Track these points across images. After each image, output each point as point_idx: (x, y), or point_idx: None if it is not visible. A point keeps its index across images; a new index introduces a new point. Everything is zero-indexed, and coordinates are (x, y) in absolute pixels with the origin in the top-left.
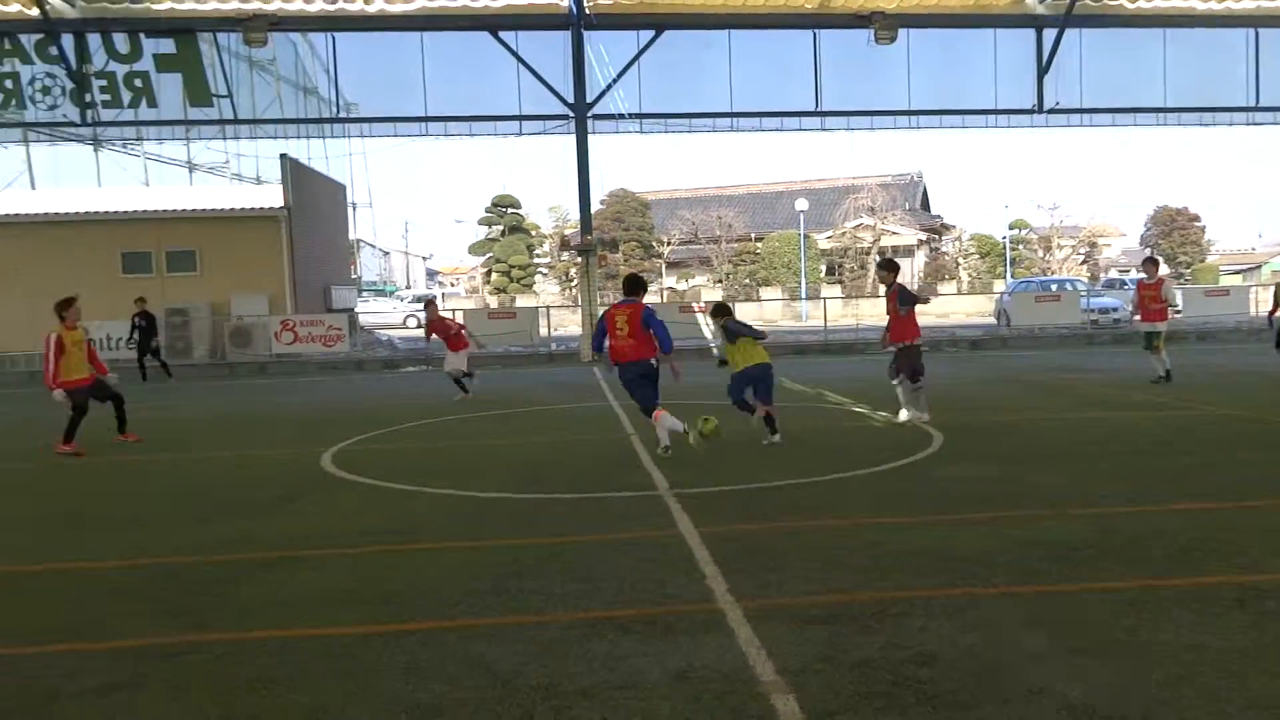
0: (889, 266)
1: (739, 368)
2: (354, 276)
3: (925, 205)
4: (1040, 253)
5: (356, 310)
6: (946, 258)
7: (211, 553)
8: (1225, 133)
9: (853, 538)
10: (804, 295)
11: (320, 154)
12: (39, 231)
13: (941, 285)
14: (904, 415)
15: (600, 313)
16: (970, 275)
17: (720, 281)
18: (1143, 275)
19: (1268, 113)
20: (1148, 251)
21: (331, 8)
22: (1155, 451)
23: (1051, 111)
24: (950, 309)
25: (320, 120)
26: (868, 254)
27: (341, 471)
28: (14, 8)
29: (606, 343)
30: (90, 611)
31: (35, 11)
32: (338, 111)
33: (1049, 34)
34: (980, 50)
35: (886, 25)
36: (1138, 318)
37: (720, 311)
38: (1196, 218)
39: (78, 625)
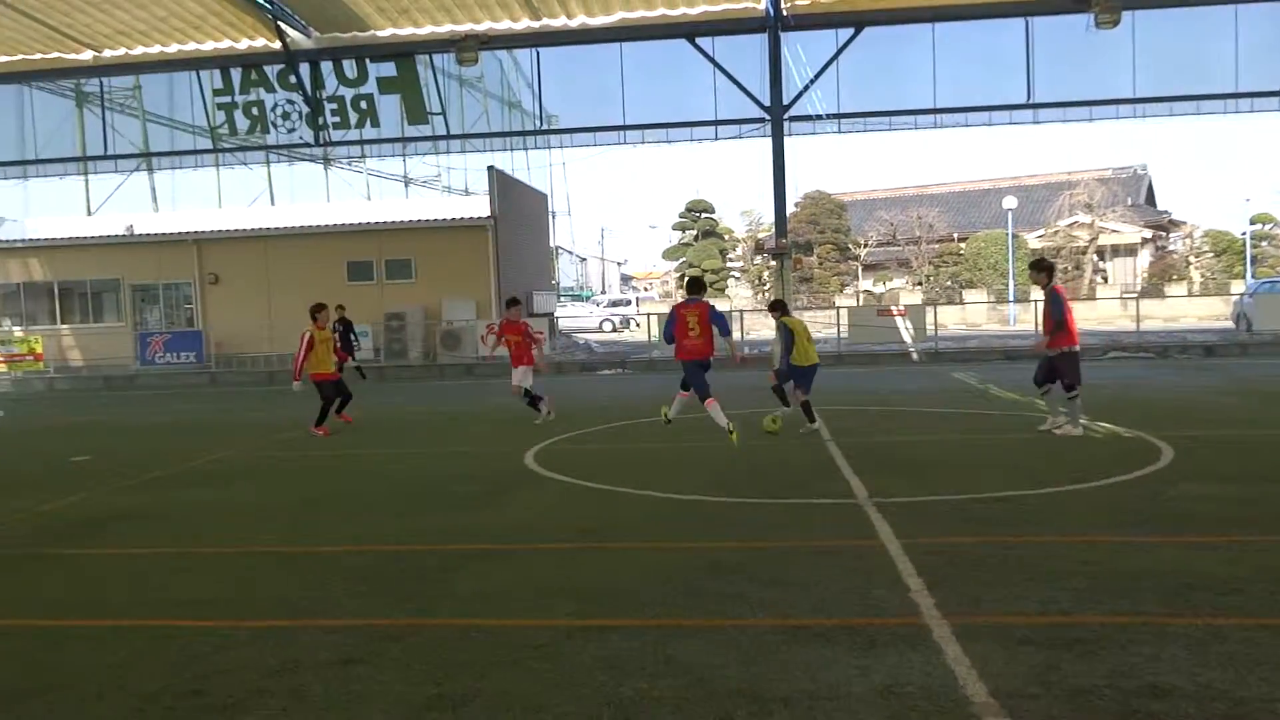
0: (1040, 267)
1: (801, 364)
2: (553, 282)
3: (1150, 200)
4: None
5: (556, 314)
6: (1175, 257)
7: (431, 541)
8: None
9: (1072, 555)
10: (1012, 298)
11: (524, 165)
12: (278, 243)
13: (1170, 286)
14: (1049, 424)
15: (672, 311)
16: (1203, 275)
17: (920, 284)
18: None
19: None
20: None
21: (537, 25)
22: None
23: None
24: (1180, 312)
25: (524, 133)
26: (1084, 253)
27: (544, 470)
28: (260, 41)
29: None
30: (329, 591)
31: (278, 44)
32: (540, 124)
33: None
34: (1219, 28)
35: (1108, 8)
36: None
37: (778, 308)
38: None
39: (318, 603)
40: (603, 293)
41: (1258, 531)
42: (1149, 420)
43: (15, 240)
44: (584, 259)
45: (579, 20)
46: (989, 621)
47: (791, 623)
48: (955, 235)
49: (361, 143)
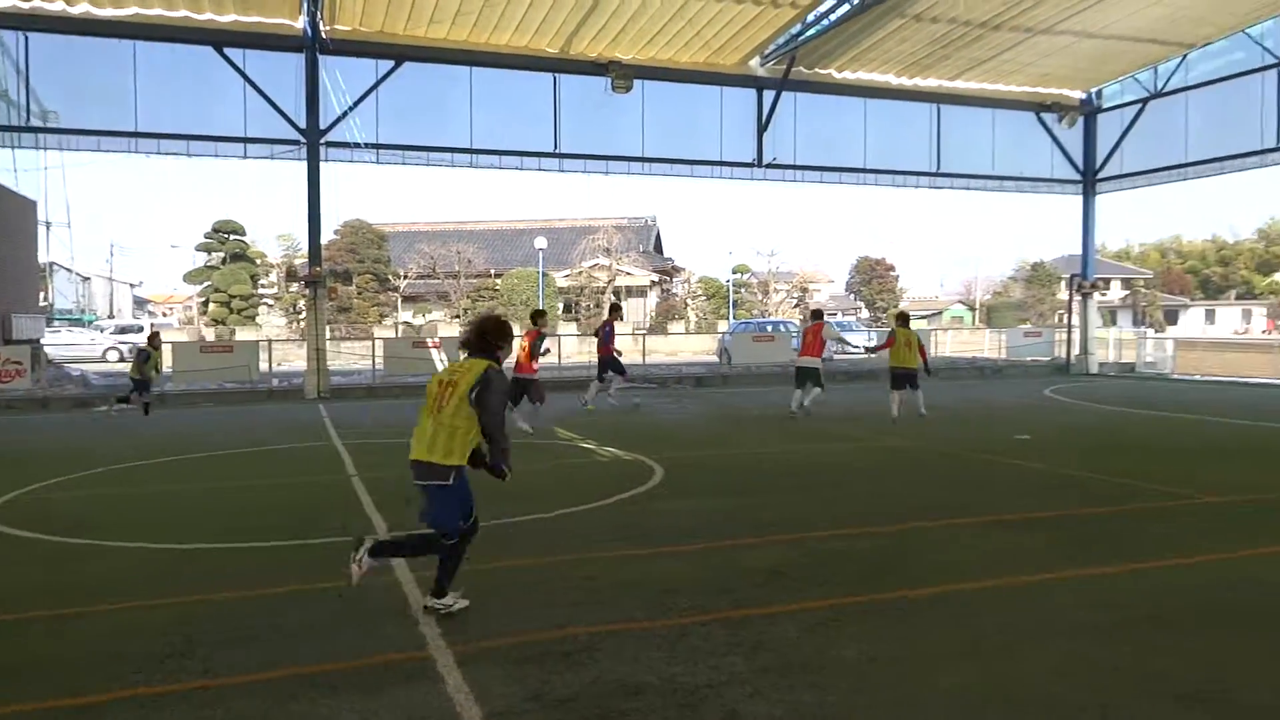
0: (612, 307)
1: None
2: (44, 304)
3: (658, 248)
4: (759, 296)
5: (44, 342)
6: (677, 299)
7: None
8: (913, 193)
9: (571, 573)
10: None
11: (9, 165)
12: None
13: (672, 324)
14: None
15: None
16: (697, 315)
17: (458, 317)
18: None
19: (945, 178)
20: (853, 297)
21: (26, 5)
22: (853, 480)
23: (769, 166)
24: (680, 347)
25: (8, 128)
26: (603, 293)
27: (6, 527)
28: None
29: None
30: None
31: None
32: (29, 119)
33: (768, 95)
34: (709, 105)
35: (623, 75)
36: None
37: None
38: (892, 267)
39: None
40: (110, 317)
41: (727, 537)
42: (647, 443)
43: None
44: (87, 278)
45: (81, 8)
46: (494, 645)
47: (291, 672)
48: (492, 271)
49: None
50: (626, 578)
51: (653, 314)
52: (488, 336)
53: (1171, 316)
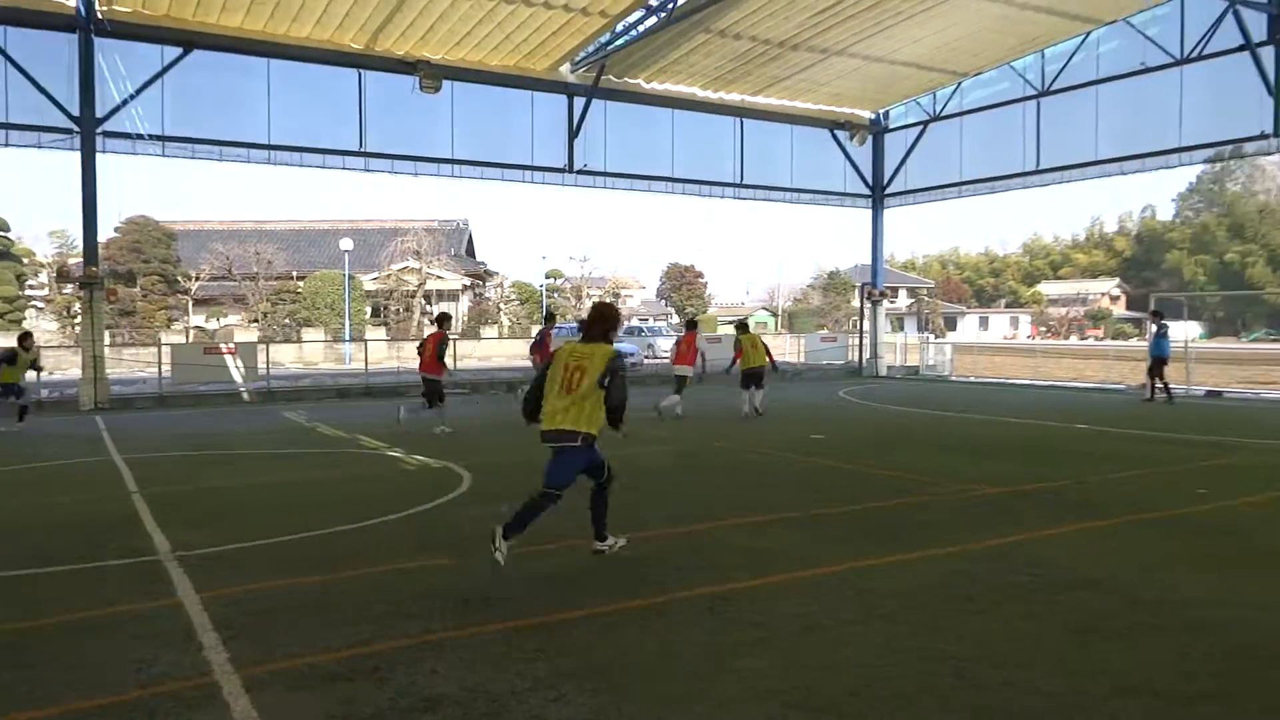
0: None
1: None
2: None
3: (471, 252)
4: (573, 301)
5: None
6: (489, 303)
7: None
8: (719, 203)
9: (369, 586)
10: (348, 337)
11: None
12: None
13: (485, 329)
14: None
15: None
16: (511, 320)
17: (256, 321)
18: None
19: (748, 189)
20: (664, 302)
21: None
22: (662, 482)
23: (580, 172)
24: (493, 352)
25: None
26: (413, 297)
27: None
28: None
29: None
30: None
31: None
32: None
33: (579, 102)
34: (520, 109)
35: (431, 75)
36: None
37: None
38: (701, 274)
39: None
40: None
41: (530, 543)
42: (458, 450)
43: None
44: None
45: None
46: (286, 667)
47: (50, 712)
48: (294, 273)
49: None
50: (427, 589)
51: (465, 318)
52: (608, 323)
53: (951, 323)
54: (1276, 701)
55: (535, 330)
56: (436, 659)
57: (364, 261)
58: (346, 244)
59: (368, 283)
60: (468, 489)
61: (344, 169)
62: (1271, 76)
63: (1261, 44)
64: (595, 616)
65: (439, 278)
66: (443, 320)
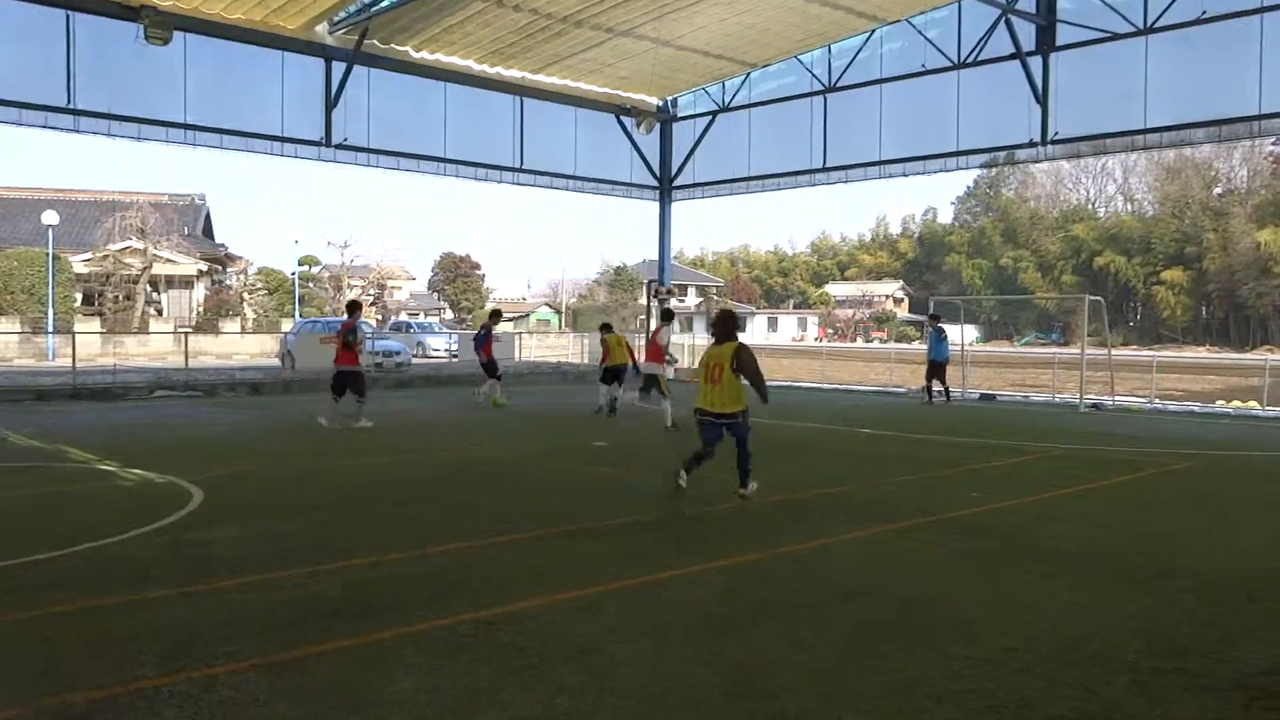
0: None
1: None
2: None
3: (209, 232)
4: (331, 292)
5: None
6: (231, 292)
7: None
8: (497, 189)
9: (81, 626)
10: (51, 328)
11: None
12: None
13: (225, 322)
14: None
15: None
16: (257, 312)
17: None
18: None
19: (529, 174)
20: (436, 296)
21: None
22: (420, 495)
23: (339, 147)
24: (234, 349)
25: None
26: (136, 282)
27: None
28: None
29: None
30: None
31: None
32: None
33: (338, 68)
34: (269, 72)
35: (158, 23)
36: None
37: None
38: (477, 266)
39: None
40: None
41: (267, 569)
42: (185, 463)
43: None
44: None
45: None
46: None
47: None
48: None
49: None
50: (139, 628)
51: (200, 309)
52: (730, 325)
53: (740, 324)
54: (1032, 698)
55: (479, 326)
56: (150, 709)
57: (75, 239)
58: (51, 217)
59: (78, 264)
60: (195, 508)
61: (46, 127)
62: (1040, 86)
63: (1030, 54)
64: (348, 649)
65: (169, 261)
66: (353, 309)
